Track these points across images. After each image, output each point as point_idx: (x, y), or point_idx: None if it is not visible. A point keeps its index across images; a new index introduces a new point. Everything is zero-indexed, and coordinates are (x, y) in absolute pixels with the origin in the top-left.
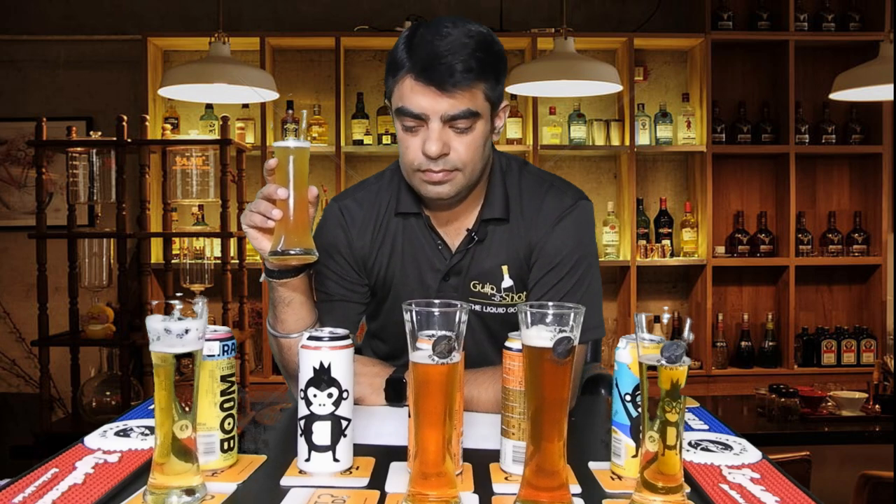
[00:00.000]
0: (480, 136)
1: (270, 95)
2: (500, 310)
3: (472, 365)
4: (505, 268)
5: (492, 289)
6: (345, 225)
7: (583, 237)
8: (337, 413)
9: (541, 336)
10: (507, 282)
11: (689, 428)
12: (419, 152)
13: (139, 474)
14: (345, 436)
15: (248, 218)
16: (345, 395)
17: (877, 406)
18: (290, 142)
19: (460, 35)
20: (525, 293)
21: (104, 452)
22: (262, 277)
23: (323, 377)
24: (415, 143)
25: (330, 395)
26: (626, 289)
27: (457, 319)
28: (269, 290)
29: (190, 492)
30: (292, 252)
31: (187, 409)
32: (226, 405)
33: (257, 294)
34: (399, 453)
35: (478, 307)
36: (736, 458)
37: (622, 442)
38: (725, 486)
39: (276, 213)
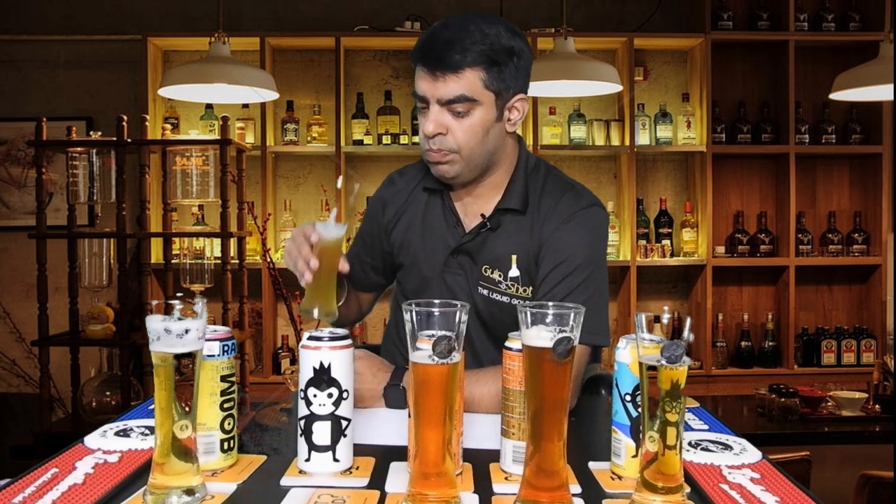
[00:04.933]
0: (479, 123)
1: (270, 95)
2: (505, 299)
3: (473, 350)
4: (514, 257)
5: (499, 275)
6: (384, 191)
7: (592, 240)
8: (337, 413)
9: (541, 336)
10: (514, 271)
11: (689, 428)
12: (423, 132)
13: (139, 474)
14: (345, 436)
15: (288, 261)
16: (345, 395)
17: (877, 406)
18: (331, 230)
19: (466, 26)
20: (531, 288)
21: (104, 452)
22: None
23: (323, 377)
24: (422, 123)
25: (330, 395)
26: (626, 289)
27: (457, 319)
28: None
29: (190, 492)
30: (314, 314)
31: (187, 409)
32: (226, 405)
33: (257, 294)
34: (399, 453)
35: (485, 292)
36: (736, 458)
37: (622, 442)
38: (725, 486)
39: (308, 278)
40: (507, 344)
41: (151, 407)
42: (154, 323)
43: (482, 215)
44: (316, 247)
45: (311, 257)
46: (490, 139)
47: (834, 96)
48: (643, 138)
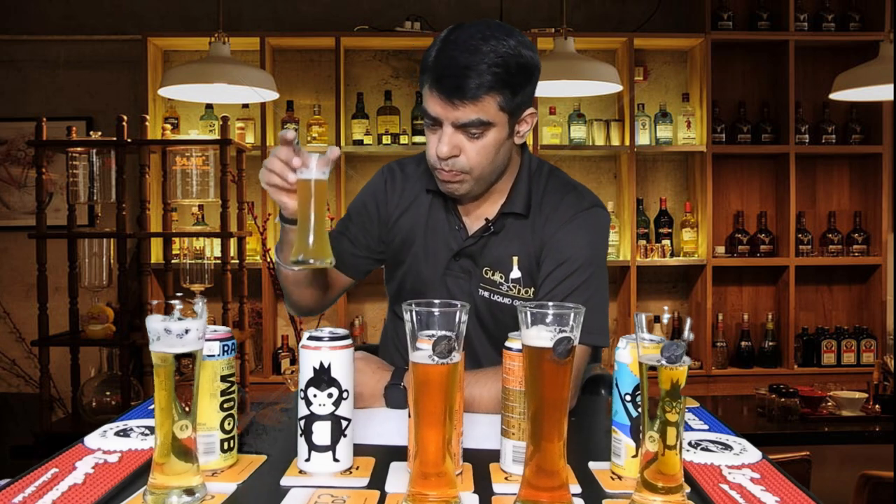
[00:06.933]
0: (492, 143)
1: (270, 95)
2: (507, 300)
3: (472, 352)
4: (515, 259)
5: (501, 277)
6: (386, 186)
7: (593, 240)
8: (337, 413)
9: (541, 336)
10: (516, 273)
11: (689, 428)
12: (434, 151)
13: (139, 474)
14: (345, 436)
15: (266, 176)
16: (345, 395)
17: (877, 406)
18: (314, 172)
19: (480, 48)
20: (532, 289)
21: (104, 452)
22: (277, 219)
23: (323, 377)
24: (433, 141)
25: (330, 395)
26: (626, 289)
27: (457, 319)
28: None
29: (190, 492)
30: (312, 262)
31: (187, 409)
32: (226, 405)
33: (257, 294)
34: (399, 453)
35: (486, 294)
36: (736, 458)
37: (622, 442)
38: (725, 486)
39: (292, 178)
40: (507, 344)
41: (151, 407)
42: (154, 323)
43: (486, 219)
44: (299, 185)
45: (294, 159)
46: (501, 155)
47: (834, 96)
48: (643, 138)
